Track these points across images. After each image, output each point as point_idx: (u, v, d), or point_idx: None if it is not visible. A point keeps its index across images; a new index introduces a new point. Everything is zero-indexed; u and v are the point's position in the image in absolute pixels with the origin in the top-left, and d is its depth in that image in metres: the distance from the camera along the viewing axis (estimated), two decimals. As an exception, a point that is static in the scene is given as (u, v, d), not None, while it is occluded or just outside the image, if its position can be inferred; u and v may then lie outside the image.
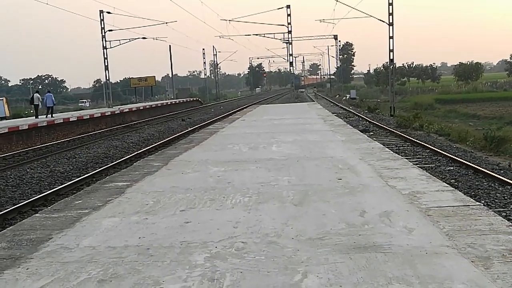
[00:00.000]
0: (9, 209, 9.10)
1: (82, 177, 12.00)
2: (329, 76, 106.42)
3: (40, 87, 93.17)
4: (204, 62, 73.32)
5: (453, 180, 10.12)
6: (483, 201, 8.29)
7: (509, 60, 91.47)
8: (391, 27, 30.43)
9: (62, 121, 25.26)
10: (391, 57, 31.66)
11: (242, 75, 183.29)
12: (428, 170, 10.01)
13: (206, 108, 49.07)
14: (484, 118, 35.47)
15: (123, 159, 14.94)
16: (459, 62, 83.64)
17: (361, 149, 9.49)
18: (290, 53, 45.43)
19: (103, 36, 38.38)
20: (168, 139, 19.88)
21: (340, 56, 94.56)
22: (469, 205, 5.06)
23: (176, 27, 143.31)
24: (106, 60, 39.06)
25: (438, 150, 13.92)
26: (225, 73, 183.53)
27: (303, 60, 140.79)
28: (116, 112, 33.06)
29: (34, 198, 9.92)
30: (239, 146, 10.83)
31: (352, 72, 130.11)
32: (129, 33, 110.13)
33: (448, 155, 13.05)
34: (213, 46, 75.15)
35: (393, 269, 3.46)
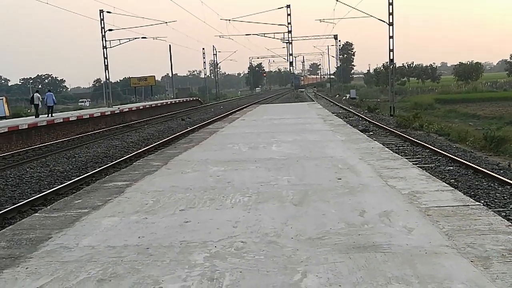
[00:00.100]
0: (8, 209, 9.09)
1: (81, 177, 12.00)
2: (329, 76, 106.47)
3: (40, 86, 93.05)
4: (204, 62, 73.33)
5: (453, 180, 10.12)
6: (482, 201, 8.30)
7: (509, 60, 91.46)
8: (391, 27, 30.43)
9: (62, 120, 25.24)
10: (391, 57, 31.66)
11: (242, 74, 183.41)
12: (428, 170, 10.01)
13: (206, 107, 49.05)
14: (484, 118, 35.45)
15: (122, 158, 14.93)
16: (459, 62, 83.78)
17: (361, 149, 9.50)
18: (290, 53, 45.53)
19: (103, 36, 38.39)
20: (167, 138, 19.88)
21: (340, 56, 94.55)
22: (468, 205, 5.06)
23: (176, 27, 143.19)
24: (106, 60, 39.07)
25: (438, 150, 13.92)
26: (225, 73, 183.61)
27: (303, 59, 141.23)
28: (116, 112, 33.03)
29: (33, 198, 9.91)
30: (239, 146, 10.83)
31: (352, 72, 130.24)
32: (129, 33, 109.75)
33: (448, 155, 13.05)
34: (213, 46, 75.09)
35: (392, 269, 3.46)
